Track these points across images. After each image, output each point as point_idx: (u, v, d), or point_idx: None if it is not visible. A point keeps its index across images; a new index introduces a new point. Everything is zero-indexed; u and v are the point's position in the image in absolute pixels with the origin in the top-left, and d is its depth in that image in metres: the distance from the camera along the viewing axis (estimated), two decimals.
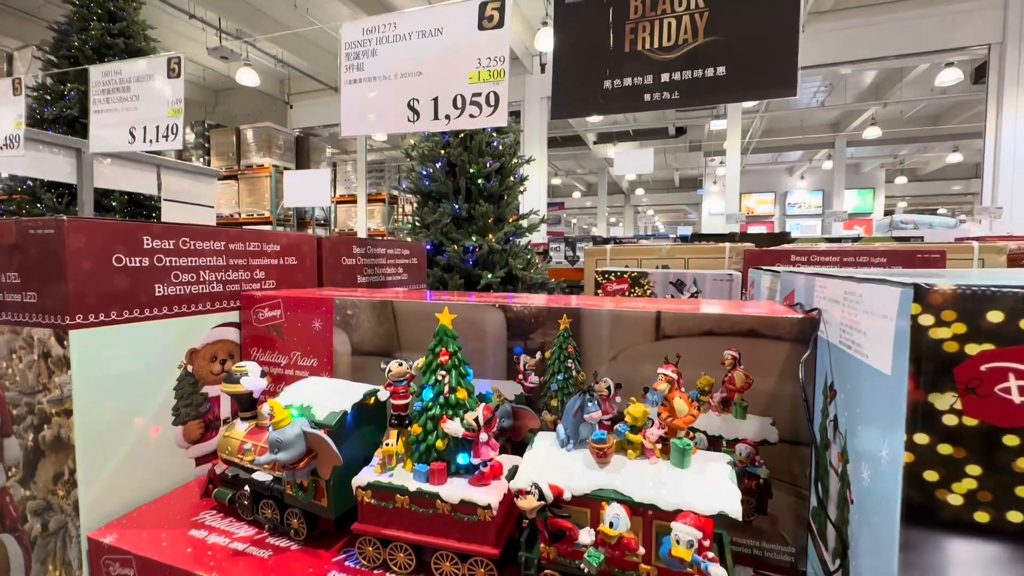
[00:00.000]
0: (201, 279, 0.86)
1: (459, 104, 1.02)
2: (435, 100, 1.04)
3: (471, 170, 2.48)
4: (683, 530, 0.47)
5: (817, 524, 0.58)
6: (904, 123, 12.27)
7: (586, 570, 0.50)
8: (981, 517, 0.34)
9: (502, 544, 0.59)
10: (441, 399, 0.62)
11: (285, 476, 0.65)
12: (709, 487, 0.50)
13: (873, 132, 10.98)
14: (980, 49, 7.21)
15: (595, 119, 9.88)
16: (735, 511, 0.47)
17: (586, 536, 0.51)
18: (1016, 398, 0.33)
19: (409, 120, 1.07)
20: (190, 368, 0.85)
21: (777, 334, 0.62)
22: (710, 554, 0.47)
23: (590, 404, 0.55)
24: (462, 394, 0.62)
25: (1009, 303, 0.33)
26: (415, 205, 2.77)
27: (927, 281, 0.35)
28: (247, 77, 8.18)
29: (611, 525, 0.49)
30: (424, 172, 2.56)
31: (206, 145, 8.24)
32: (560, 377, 0.71)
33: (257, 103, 10.59)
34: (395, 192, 8.99)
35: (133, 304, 0.77)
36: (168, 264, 0.81)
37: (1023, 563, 0.33)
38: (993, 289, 0.33)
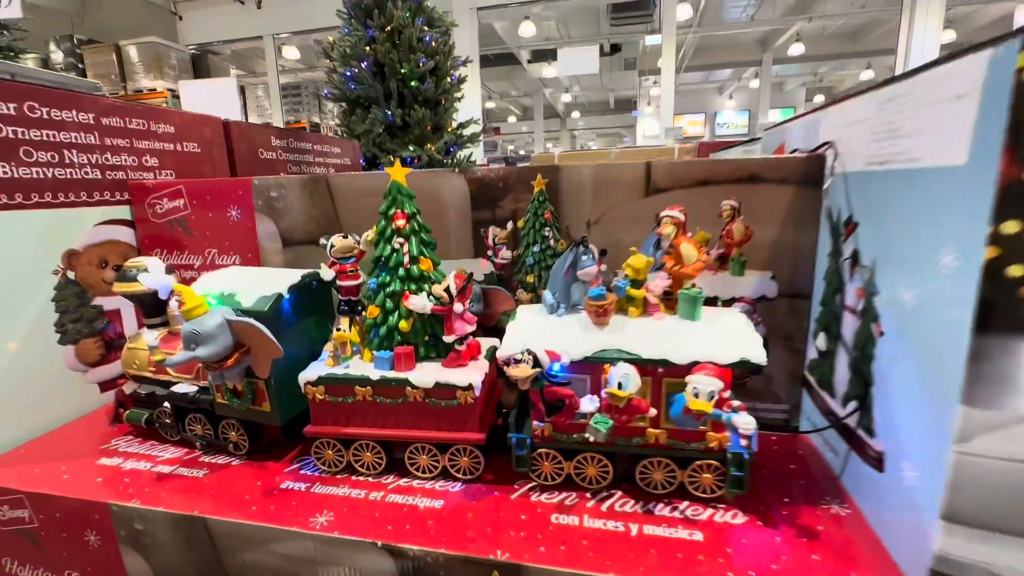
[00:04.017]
0: (67, 160, 0.67)
1: None
2: None
3: (402, 71, 2.20)
4: (701, 382, 0.41)
5: (816, 376, 0.55)
6: (825, 40, 12.61)
7: (592, 439, 0.44)
8: None
9: (486, 431, 0.51)
10: (401, 272, 0.51)
11: (212, 380, 0.53)
12: (725, 336, 0.44)
13: (797, 48, 11.22)
14: None
15: (528, 33, 9.30)
16: (759, 356, 0.42)
17: (588, 404, 0.44)
18: None
19: None
20: (71, 274, 0.68)
21: (781, 176, 0.55)
22: (735, 403, 0.41)
23: (584, 258, 0.47)
24: (426, 264, 0.51)
25: None
26: (343, 113, 2.47)
27: None
28: None
29: (620, 386, 0.42)
30: (348, 74, 2.25)
31: (79, 66, 6.98)
32: (536, 249, 0.61)
33: (137, 13, 8.97)
34: (317, 121, 8.20)
35: None
36: (13, 136, 0.61)
37: None
38: None
